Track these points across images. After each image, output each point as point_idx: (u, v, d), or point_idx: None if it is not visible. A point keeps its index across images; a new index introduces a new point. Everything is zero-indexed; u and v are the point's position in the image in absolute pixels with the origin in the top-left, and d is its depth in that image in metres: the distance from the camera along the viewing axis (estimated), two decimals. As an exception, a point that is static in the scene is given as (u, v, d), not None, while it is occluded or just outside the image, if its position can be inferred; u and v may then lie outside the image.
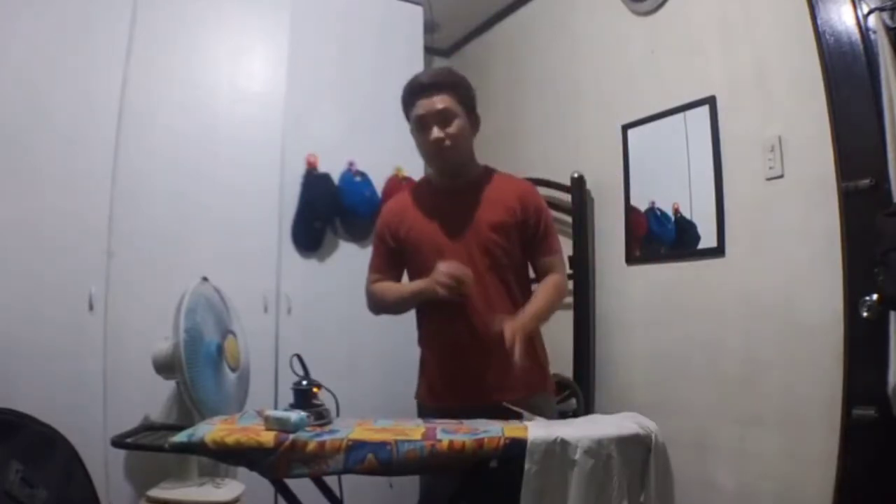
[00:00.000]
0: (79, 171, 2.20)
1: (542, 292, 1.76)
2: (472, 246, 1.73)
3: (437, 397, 1.78)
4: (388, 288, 1.82)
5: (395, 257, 1.84)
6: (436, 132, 1.71)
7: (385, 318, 2.70)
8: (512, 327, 1.55)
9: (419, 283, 1.72)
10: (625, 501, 1.29)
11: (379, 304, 1.85)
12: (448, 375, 1.76)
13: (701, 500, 2.07)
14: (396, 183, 2.77)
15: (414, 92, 1.74)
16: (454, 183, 1.80)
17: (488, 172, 1.84)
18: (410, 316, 2.83)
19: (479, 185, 1.80)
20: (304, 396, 1.48)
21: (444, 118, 1.71)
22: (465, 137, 1.76)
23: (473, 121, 1.79)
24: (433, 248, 1.74)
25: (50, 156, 2.16)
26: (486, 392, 1.68)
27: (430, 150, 1.75)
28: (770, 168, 1.95)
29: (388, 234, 1.83)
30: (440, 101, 1.71)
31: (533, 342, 1.70)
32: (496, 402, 1.62)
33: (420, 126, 1.74)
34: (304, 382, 1.49)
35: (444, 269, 1.62)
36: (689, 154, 2.23)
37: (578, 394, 2.48)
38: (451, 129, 1.72)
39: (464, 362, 1.72)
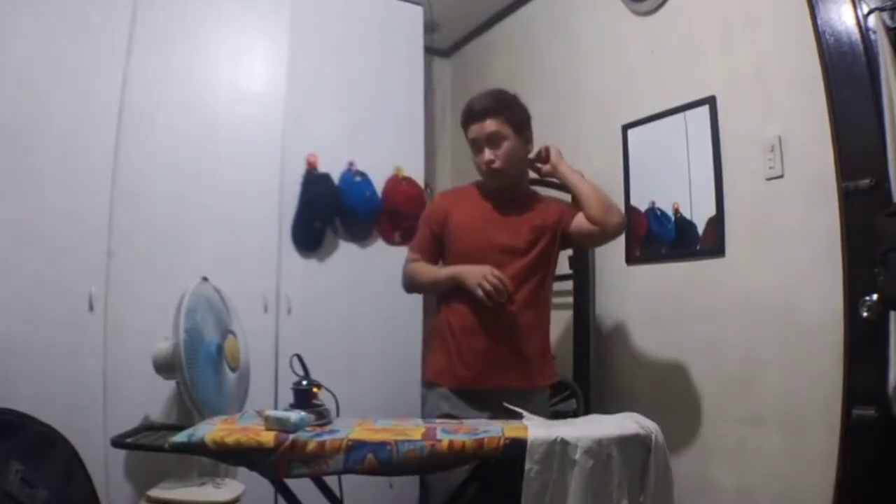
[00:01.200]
0: (79, 171, 2.20)
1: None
2: (510, 244, 1.90)
3: (458, 372, 1.88)
4: (426, 269, 1.98)
5: (435, 242, 1.99)
6: (487, 154, 1.90)
7: (385, 318, 2.73)
8: (556, 154, 2.01)
9: (458, 270, 1.87)
10: (625, 501, 1.29)
11: (413, 282, 2.01)
12: (476, 351, 1.86)
13: (701, 500, 2.07)
14: (396, 183, 2.78)
15: (467, 116, 1.93)
16: (504, 193, 1.98)
17: (535, 193, 2.07)
18: (411, 316, 2.84)
19: (525, 198, 2.02)
20: (304, 396, 1.48)
21: (493, 140, 1.90)
22: (514, 156, 1.93)
23: (525, 140, 1.96)
24: (475, 241, 1.91)
25: (50, 156, 2.16)
26: (506, 373, 1.85)
27: (482, 170, 1.94)
28: (770, 168, 1.95)
29: (434, 221, 2.00)
30: (490, 125, 1.89)
31: (546, 338, 1.98)
32: (513, 386, 1.84)
33: (474, 148, 1.95)
34: (305, 382, 1.50)
35: (495, 275, 1.77)
36: (689, 154, 2.23)
37: (578, 394, 2.47)
38: (500, 151, 1.90)
39: (493, 344, 1.85)
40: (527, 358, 1.89)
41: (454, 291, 1.89)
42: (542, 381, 1.97)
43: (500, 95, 1.97)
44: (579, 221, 1.94)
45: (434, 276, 1.95)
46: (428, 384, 1.97)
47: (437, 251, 2.01)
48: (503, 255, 1.88)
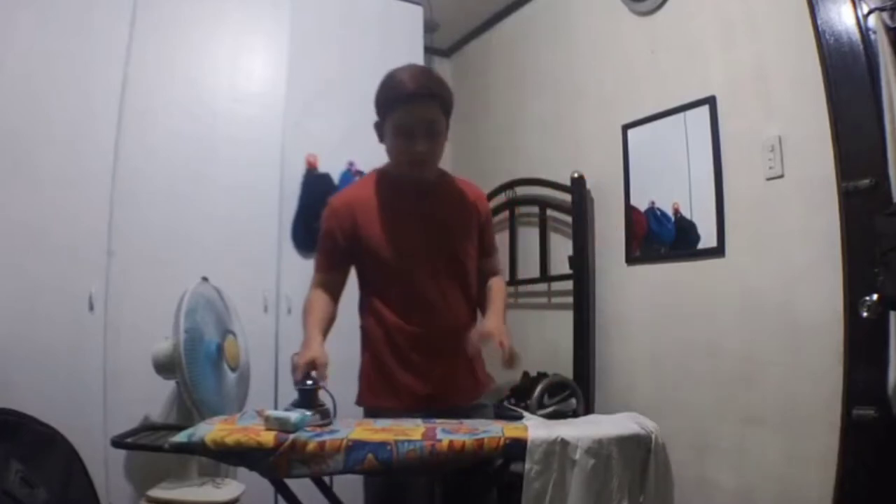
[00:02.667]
0: (79, 171, 2.20)
1: (497, 295, 1.75)
2: (436, 248, 1.68)
3: (386, 398, 1.67)
4: (308, 312, 1.65)
5: (343, 256, 1.68)
6: (420, 146, 1.60)
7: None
8: (496, 330, 1.57)
9: (306, 338, 1.60)
10: (625, 502, 1.29)
11: (303, 319, 1.68)
12: (407, 375, 1.64)
13: (701, 500, 2.07)
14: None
15: (400, 97, 1.61)
16: (417, 183, 1.70)
17: (443, 174, 1.78)
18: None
19: (440, 187, 1.74)
20: (308, 396, 1.47)
21: (431, 132, 1.62)
22: (443, 150, 1.69)
23: (446, 129, 1.69)
24: (396, 250, 1.65)
25: (50, 156, 2.16)
26: (448, 393, 1.64)
27: (409, 161, 1.64)
28: (770, 168, 1.95)
29: (338, 231, 1.66)
30: (430, 113, 1.61)
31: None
32: (455, 405, 1.61)
33: (399, 134, 1.62)
34: (309, 382, 1.49)
35: (305, 362, 1.51)
36: (689, 154, 2.23)
37: (578, 394, 2.48)
38: (436, 145, 1.64)
39: (429, 362, 1.63)
40: (474, 373, 1.70)
41: (376, 312, 1.68)
42: (482, 392, 1.74)
43: (437, 77, 1.68)
44: (482, 266, 1.78)
45: (305, 325, 1.64)
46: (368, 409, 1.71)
47: (346, 263, 1.70)
48: (435, 261, 1.65)
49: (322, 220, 1.71)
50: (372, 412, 1.67)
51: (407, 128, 1.61)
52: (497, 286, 1.78)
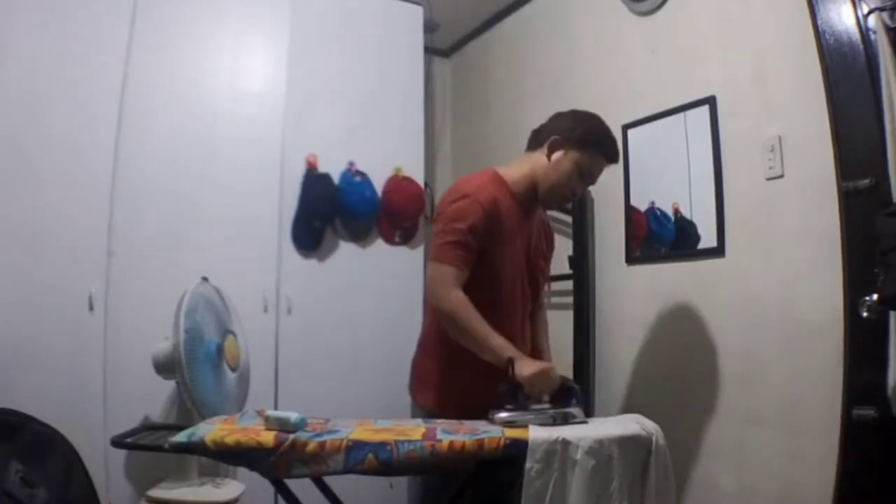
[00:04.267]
0: (79, 171, 2.20)
1: (545, 338, 1.94)
2: (526, 271, 1.78)
3: (453, 409, 1.63)
4: (477, 322, 1.58)
5: (475, 256, 1.63)
6: (581, 190, 1.80)
7: (385, 318, 2.73)
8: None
9: (508, 351, 1.56)
10: (625, 502, 1.29)
11: (458, 326, 1.60)
12: (479, 395, 1.58)
13: (701, 500, 2.07)
14: (396, 183, 2.78)
15: (610, 154, 1.78)
16: (530, 206, 1.80)
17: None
18: (411, 316, 2.83)
19: (536, 211, 1.87)
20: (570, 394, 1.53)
21: (593, 182, 1.82)
22: None
23: None
24: (510, 265, 1.70)
25: (50, 156, 2.16)
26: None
27: (564, 199, 1.83)
28: (770, 168, 1.95)
29: (481, 230, 1.61)
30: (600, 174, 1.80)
31: None
32: None
33: (582, 177, 1.76)
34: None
35: (544, 382, 1.55)
36: (689, 154, 2.23)
37: (578, 394, 2.47)
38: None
39: (497, 379, 1.59)
40: None
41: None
42: None
43: None
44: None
45: (485, 337, 1.57)
46: (429, 410, 1.71)
47: (473, 265, 1.64)
48: (524, 285, 1.76)
49: (460, 211, 1.62)
50: (429, 413, 1.68)
51: (590, 178, 1.78)
52: (545, 328, 1.98)
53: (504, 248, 1.67)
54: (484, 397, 1.55)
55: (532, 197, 1.75)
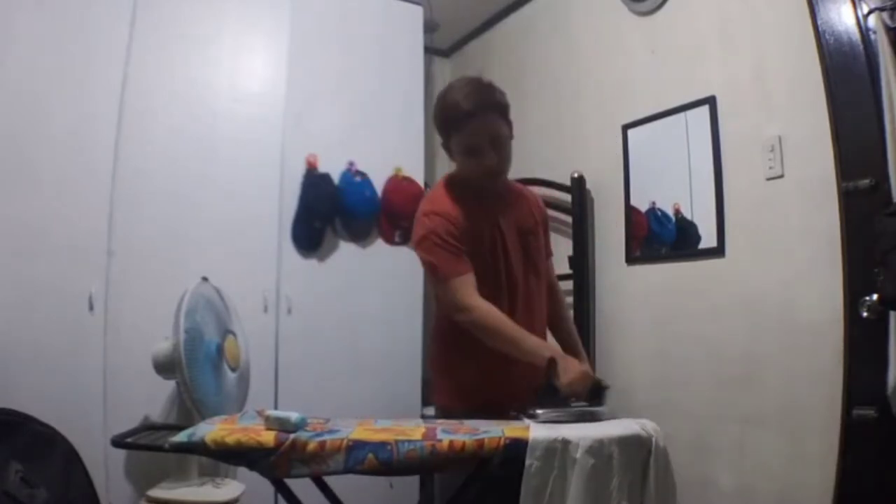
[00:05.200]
0: (79, 171, 2.20)
1: (571, 325, 1.92)
2: (518, 253, 1.73)
3: (470, 398, 1.65)
4: (506, 322, 1.58)
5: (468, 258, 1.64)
6: (489, 159, 1.64)
7: (385, 318, 2.73)
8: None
9: (546, 351, 1.56)
10: (624, 502, 1.29)
11: (491, 331, 1.58)
12: (492, 382, 1.62)
13: (701, 500, 2.07)
14: (396, 183, 2.78)
15: (458, 119, 1.63)
16: (491, 191, 1.74)
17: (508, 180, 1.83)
18: (411, 316, 2.83)
19: (509, 193, 1.82)
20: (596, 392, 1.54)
21: (498, 143, 1.66)
22: (511, 154, 1.73)
23: (510, 127, 1.73)
24: (490, 257, 1.67)
25: (50, 156, 2.16)
26: (515, 400, 1.60)
27: (485, 175, 1.67)
28: (770, 168, 1.95)
29: (456, 233, 1.62)
30: (496, 126, 1.65)
31: None
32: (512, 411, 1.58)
33: (469, 153, 1.65)
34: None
35: (583, 384, 1.53)
36: (689, 154, 2.23)
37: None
38: (504, 154, 1.68)
39: (508, 371, 1.61)
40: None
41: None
42: None
43: (488, 85, 1.70)
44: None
45: (521, 340, 1.56)
46: (444, 409, 1.70)
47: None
48: (511, 270, 1.69)
49: (426, 229, 1.64)
50: (447, 413, 1.67)
51: (473, 146, 1.64)
52: (564, 308, 1.93)
53: (483, 244, 1.67)
54: (494, 394, 1.58)
55: (482, 186, 1.72)
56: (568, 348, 1.82)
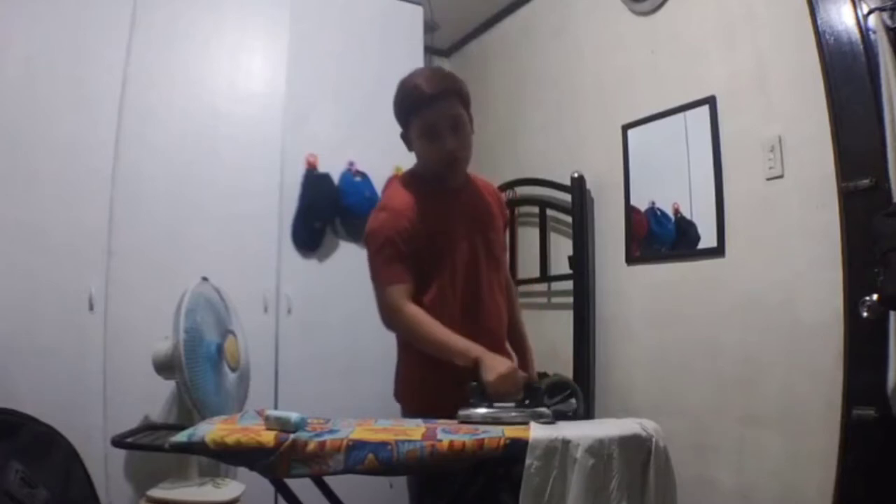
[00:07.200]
0: (79, 171, 2.20)
1: (522, 325, 1.88)
2: (479, 247, 1.70)
3: (437, 400, 1.60)
4: (433, 326, 1.57)
5: (410, 262, 1.62)
6: (450, 143, 1.61)
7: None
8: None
9: (473, 352, 1.53)
10: (624, 502, 1.29)
11: (417, 335, 1.60)
12: (456, 382, 1.56)
13: (701, 500, 2.07)
14: (396, 183, 2.77)
15: (421, 99, 1.60)
16: (451, 182, 1.71)
17: (466, 172, 1.78)
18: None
19: (469, 185, 1.77)
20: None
21: (457, 126, 1.62)
22: (471, 146, 1.69)
23: (471, 121, 1.70)
24: (449, 252, 1.64)
25: (50, 156, 2.16)
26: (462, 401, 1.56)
27: (441, 160, 1.64)
28: (770, 168, 1.95)
29: (399, 239, 1.61)
30: (453, 108, 1.62)
31: None
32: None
33: (428, 135, 1.62)
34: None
35: (510, 383, 1.49)
36: (689, 154, 2.23)
37: (578, 393, 2.47)
38: (464, 140, 1.64)
39: (448, 372, 1.57)
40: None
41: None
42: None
43: (449, 74, 1.71)
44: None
45: (448, 343, 1.55)
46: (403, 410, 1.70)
47: (413, 270, 1.62)
48: (473, 265, 1.66)
49: (382, 225, 1.63)
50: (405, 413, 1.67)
51: (432, 128, 1.61)
52: (517, 313, 1.88)
53: (443, 236, 1.65)
54: (440, 395, 1.54)
55: (442, 176, 1.70)
56: (517, 348, 1.81)
